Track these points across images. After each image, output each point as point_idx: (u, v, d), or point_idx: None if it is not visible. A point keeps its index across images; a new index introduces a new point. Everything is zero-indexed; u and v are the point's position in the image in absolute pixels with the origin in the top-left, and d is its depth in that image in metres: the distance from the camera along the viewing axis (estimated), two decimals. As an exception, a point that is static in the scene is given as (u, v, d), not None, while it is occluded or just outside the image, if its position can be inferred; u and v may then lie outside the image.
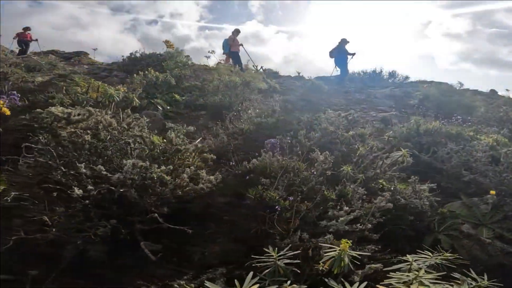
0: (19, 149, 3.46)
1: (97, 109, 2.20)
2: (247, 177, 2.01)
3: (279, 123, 3.17)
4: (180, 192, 1.81)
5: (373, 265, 1.46)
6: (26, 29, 10.67)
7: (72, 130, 1.77)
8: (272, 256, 1.28)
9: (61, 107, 1.81)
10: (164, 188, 1.75)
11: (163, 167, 1.75)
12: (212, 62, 9.82)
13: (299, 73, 12.90)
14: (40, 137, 2.00)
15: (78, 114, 1.75)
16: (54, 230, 1.48)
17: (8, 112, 1.85)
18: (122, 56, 9.87)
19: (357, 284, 1.11)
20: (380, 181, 2.54)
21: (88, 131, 1.79)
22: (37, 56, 9.35)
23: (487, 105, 8.23)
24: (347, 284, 1.12)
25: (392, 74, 14.49)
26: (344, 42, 8.75)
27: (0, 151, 3.24)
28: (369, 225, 1.77)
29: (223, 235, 1.78)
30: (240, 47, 8.90)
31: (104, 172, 1.58)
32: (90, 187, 1.48)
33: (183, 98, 6.22)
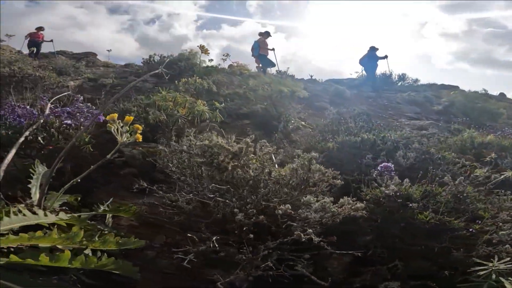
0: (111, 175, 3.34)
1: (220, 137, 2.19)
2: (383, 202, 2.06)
3: (365, 141, 3.20)
4: (338, 220, 1.84)
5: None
6: (39, 29, 10.28)
7: (233, 164, 1.75)
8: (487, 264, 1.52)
9: (220, 139, 1.78)
10: (328, 217, 1.77)
11: (325, 199, 1.77)
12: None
13: (311, 76, 13.00)
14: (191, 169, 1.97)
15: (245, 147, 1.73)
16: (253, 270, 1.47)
17: (140, 138, 1.80)
18: (143, 58, 9.69)
19: None
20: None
21: (249, 165, 1.78)
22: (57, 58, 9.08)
23: (508, 111, 8.49)
24: None
25: (402, 77, 14.78)
26: (373, 49, 8.92)
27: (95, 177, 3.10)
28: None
29: (388, 256, 1.84)
30: (269, 51, 8.75)
31: (289, 211, 1.58)
32: (311, 230, 1.48)
33: (222, 105, 6.18)
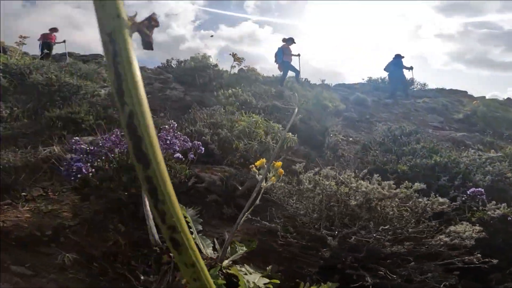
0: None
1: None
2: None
3: (437, 163, 3.31)
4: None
5: None
6: (53, 30, 9.97)
7: (382, 204, 1.82)
8: None
9: (367, 184, 1.84)
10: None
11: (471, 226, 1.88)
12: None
13: (323, 81, 13.04)
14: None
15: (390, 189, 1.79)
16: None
17: (274, 181, 1.83)
18: (162, 63, 9.58)
19: None
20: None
21: (402, 207, 1.85)
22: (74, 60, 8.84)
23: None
24: None
25: (410, 82, 15.07)
26: (399, 56, 9.03)
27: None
28: None
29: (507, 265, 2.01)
30: (292, 56, 8.70)
31: (444, 239, 1.68)
32: (479, 255, 1.58)
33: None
